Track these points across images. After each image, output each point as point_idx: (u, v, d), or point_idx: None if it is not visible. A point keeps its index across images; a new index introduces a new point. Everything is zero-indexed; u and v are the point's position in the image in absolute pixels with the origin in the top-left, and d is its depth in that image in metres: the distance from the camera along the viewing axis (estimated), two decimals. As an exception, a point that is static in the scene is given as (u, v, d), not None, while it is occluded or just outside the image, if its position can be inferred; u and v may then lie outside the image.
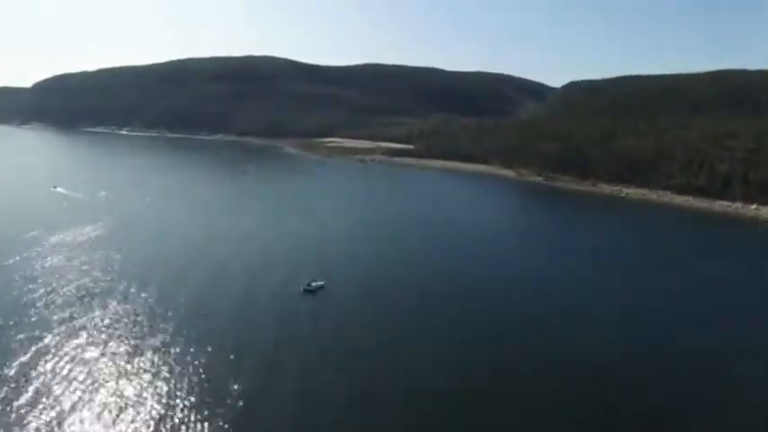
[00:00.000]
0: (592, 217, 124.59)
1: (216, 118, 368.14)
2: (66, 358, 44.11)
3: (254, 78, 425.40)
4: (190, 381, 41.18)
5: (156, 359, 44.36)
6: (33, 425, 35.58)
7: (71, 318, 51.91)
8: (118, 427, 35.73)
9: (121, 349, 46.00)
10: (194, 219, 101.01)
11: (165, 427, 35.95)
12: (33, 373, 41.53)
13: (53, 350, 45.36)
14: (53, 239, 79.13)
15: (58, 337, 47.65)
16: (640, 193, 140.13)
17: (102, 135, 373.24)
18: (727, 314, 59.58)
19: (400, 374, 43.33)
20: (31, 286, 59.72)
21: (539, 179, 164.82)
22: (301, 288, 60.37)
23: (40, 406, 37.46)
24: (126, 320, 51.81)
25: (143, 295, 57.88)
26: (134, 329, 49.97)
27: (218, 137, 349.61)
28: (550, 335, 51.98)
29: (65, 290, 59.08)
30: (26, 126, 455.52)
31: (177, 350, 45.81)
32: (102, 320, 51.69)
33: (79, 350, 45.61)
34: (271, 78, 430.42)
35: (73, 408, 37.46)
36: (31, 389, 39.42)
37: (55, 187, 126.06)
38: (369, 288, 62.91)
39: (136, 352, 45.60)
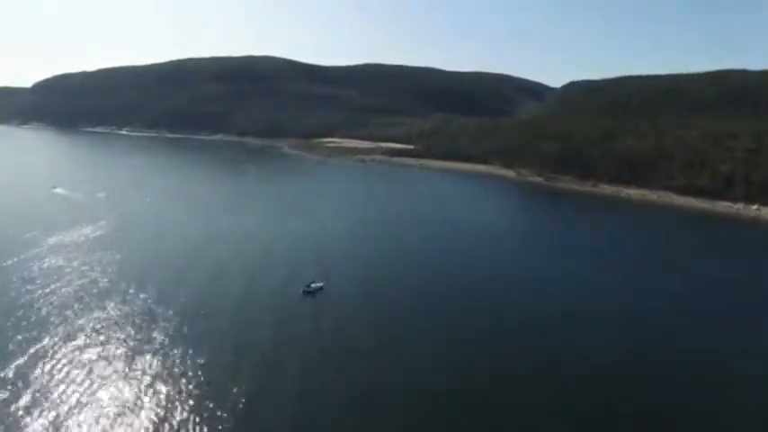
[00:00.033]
0: (592, 217, 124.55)
1: (216, 118, 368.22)
2: (66, 360, 44.03)
3: (254, 78, 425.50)
4: (190, 382, 41.16)
5: (155, 360, 44.33)
6: (32, 428, 35.47)
7: (70, 319, 51.87)
8: (118, 430, 35.66)
9: (121, 350, 45.96)
10: (194, 219, 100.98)
11: (165, 427, 35.91)
12: (32, 376, 41.38)
13: (52, 352, 45.26)
14: (52, 240, 79.09)
15: (56, 339, 47.56)
16: (641, 193, 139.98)
17: (101, 135, 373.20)
18: (728, 314, 59.57)
19: (400, 374, 43.32)
20: (29, 287, 59.65)
21: (539, 179, 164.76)
22: (301, 289, 60.25)
23: (39, 408, 37.34)
24: (125, 321, 51.78)
25: (142, 296, 57.85)
26: (134, 330, 49.94)
27: (217, 137, 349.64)
28: (550, 335, 51.96)
29: (64, 291, 59.03)
30: (26, 126, 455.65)
31: (177, 351, 45.77)
32: (101, 321, 51.64)
33: (78, 351, 45.55)
34: (271, 78, 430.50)
35: (72, 410, 37.37)
36: (29, 391, 39.27)
37: (54, 188, 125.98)
38: (369, 289, 62.86)
39: (136, 353, 45.57)
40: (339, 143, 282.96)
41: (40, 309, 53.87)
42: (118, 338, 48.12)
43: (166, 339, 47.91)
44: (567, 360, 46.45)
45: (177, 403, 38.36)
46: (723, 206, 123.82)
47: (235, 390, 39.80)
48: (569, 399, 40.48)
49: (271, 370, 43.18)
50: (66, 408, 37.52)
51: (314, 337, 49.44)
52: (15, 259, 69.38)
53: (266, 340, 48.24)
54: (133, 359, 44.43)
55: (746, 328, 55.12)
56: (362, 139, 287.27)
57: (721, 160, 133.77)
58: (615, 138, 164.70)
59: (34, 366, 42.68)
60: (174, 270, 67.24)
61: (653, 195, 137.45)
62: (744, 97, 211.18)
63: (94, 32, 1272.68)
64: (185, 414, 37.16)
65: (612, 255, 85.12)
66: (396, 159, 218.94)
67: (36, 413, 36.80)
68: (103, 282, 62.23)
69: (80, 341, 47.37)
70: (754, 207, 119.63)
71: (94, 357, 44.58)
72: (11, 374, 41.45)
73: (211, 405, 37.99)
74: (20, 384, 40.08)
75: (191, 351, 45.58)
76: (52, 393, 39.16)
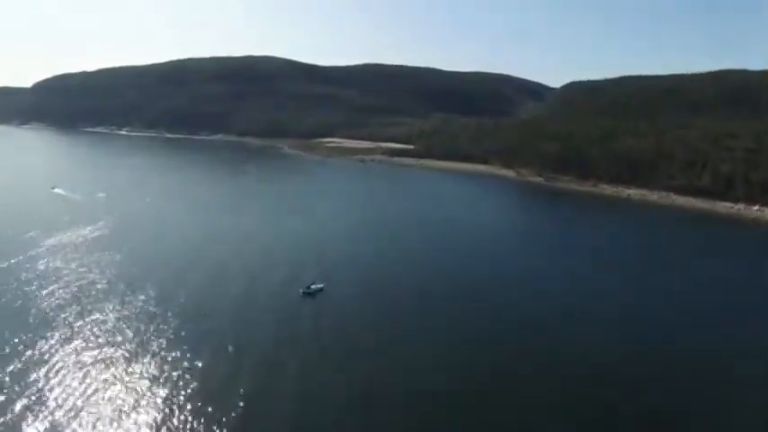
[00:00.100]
0: (592, 217, 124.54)
1: (216, 118, 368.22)
2: (65, 361, 43.82)
3: (254, 78, 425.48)
4: (190, 383, 41.08)
5: (155, 361, 44.23)
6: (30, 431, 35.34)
7: (69, 320, 51.75)
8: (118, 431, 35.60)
9: (120, 351, 45.82)
10: (194, 219, 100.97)
11: (165, 428, 35.87)
12: (30, 378, 41.10)
13: (51, 353, 45.04)
14: (51, 241, 78.96)
15: (55, 340, 47.37)
16: (641, 193, 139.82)
17: (101, 135, 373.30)
18: (728, 314, 59.54)
19: (400, 374, 43.29)
20: (28, 288, 59.48)
21: (539, 179, 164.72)
22: (301, 291, 60.03)
23: (38, 411, 37.08)
24: (125, 322, 51.69)
25: (142, 297, 57.76)
26: (133, 331, 49.86)
27: (217, 137, 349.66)
28: (550, 335, 51.94)
29: (63, 292, 58.90)
30: (26, 126, 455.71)
31: (177, 352, 45.65)
32: (100, 323, 51.52)
33: (77, 353, 45.39)
34: (271, 78, 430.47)
35: (72, 412, 37.16)
36: (27, 394, 38.97)
37: (54, 188, 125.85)
38: (369, 289, 62.76)
39: (135, 354, 45.48)
40: (339, 143, 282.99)
41: (38, 310, 53.73)
42: (117, 339, 48.06)
43: (166, 340, 47.83)
44: (566, 360, 46.42)
45: (177, 404, 38.32)
46: (724, 206, 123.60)
47: (235, 390, 39.75)
48: (569, 399, 40.45)
49: (271, 371, 43.13)
50: (65, 410, 37.38)
51: (314, 338, 49.32)
52: (14, 260, 69.25)
53: (266, 342, 48.13)
54: (133, 360, 44.38)
55: (746, 328, 55.09)
56: (362, 139, 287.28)
57: (722, 160, 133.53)
58: (615, 138, 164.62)
59: (33, 369, 42.41)
60: (174, 270, 67.20)
61: (653, 195, 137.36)
62: (744, 97, 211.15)
63: (94, 32, 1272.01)
64: (185, 414, 37.12)
65: (612, 255, 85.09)
66: (396, 159, 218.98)
67: (35, 416, 36.58)
68: (103, 282, 62.17)
69: (79, 342, 47.29)
70: (756, 208, 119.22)
71: (93, 359, 44.47)
72: (9, 377, 41.15)
73: (211, 406, 37.94)
74: (18, 387, 39.75)
75: (190, 352, 45.51)
76: (51, 396, 38.92)
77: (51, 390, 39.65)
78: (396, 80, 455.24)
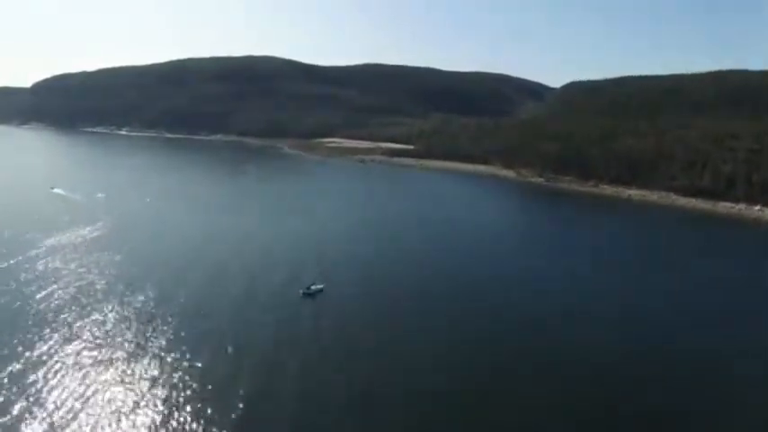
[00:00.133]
0: (592, 218, 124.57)
1: (215, 118, 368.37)
2: (64, 362, 43.63)
3: (253, 78, 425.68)
4: (189, 383, 40.98)
5: (155, 362, 44.08)
6: None
7: (68, 321, 51.62)
8: None
9: (120, 352, 45.66)
10: (194, 219, 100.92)
11: (165, 428, 35.81)
12: (29, 379, 40.90)
13: (50, 354, 44.83)
14: (50, 241, 78.79)
15: (54, 341, 47.18)
16: (641, 194, 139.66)
17: (101, 135, 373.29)
18: (728, 314, 59.51)
19: (400, 374, 43.24)
20: (27, 289, 59.22)
21: (540, 180, 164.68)
22: (300, 291, 59.86)
23: (37, 412, 36.87)
24: (124, 323, 51.58)
25: (141, 297, 57.61)
26: (133, 331, 49.76)
27: (217, 137, 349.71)
28: (550, 335, 51.91)
29: (62, 292, 58.75)
30: (26, 126, 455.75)
31: (176, 353, 45.52)
32: (99, 323, 51.42)
33: (77, 354, 45.22)
34: (271, 78, 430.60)
35: (70, 413, 36.95)
36: (26, 395, 38.74)
37: (53, 188, 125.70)
38: (369, 290, 62.65)
39: (135, 354, 45.36)
40: (339, 143, 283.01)
41: (37, 311, 53.60)
42: (117, 340, 47.95)
43: (165, 341, 47.75)
44: (567, 360, 46.39)
45: (177, 405, 38.22)
46: (724, 207, 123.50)
47: (235, 391, 39.67)
48: (569, 399, 40.41)
49: (271, 371, 43.04)
50: (64, 411, 37.17)
51: (314, 339, 49.20)
52: (13, 260, 69.05)
53: (266, 342, 47.99)
54: (132, 361, 44.28)
55: (746, 328, 55.06)
56: (362, 139, 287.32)
57: (723, 161, 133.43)
58: (615, 138, 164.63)
59: (31, 370, 42.17)
60: (174, 271, 67.13)
61: (654, 196, 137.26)
62: (744, 97, 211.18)
63: (94, 32, 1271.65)
64: (185, 415, 37.05)
65: (613, 255, 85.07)
66: (396, 159, 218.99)
67: (33, 417, 36.35)
68: (102, 283, 62.04)
69: (79, 343, 47.16)
70: (757, 208, 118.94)
71: (93, 360, 44.34)
72: (8, 378, 40.91)
73: (211, 406, 37.88)
74: (17, 388, 39.52)
75: (190, 353, 45.39)
76: (50, 397, 38.68)
77: (50, 391, 39.43)
78: (396, 80, 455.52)
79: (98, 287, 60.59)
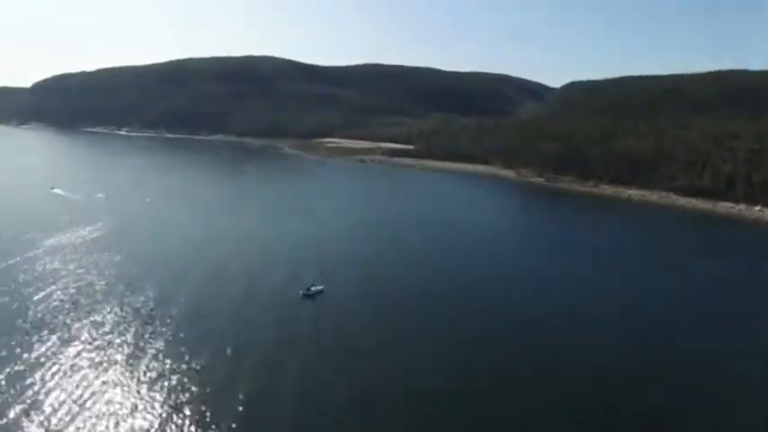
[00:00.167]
0: (593, 218, 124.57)
1: (215, 118, 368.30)
2: (63, 364, 43.37)
3: (253, 78, 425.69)
4: (189, 384, 40.88)
5: (154, 363, 43.94)
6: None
7: (67, 322, 51.45)
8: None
9: (119, 353, 45.50)
10: (193, 219, 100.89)
11: (165, 429, 35.79)
12: (28, 381, 40.57)
13: (49, 356, 44.58)
14: (50, 241, 78.62)
15: (53, 342, 46.94)
16: (642, 194, 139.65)
17: (100, 135, 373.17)
18: (728, 314, 59.51)
19: (400, 375, 43.22)
20: (26, 290, 58.95)
21: (540, 180, 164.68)
22: (300, 292, 59.69)
23: (35, 414, 36.60)
24: (124, 323, 51.45)
25: (141, 298, 57.45)
26: (132, 332, 49.64)
27: (217, 137, 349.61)
28: (550, 335, 51.90)
29: (62, 293, 58.63)
30: (25, 126, 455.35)
31: (176, 354, 45.39)
32: (99, 324, 51.27)
33: (76, 355, 45.02)
34: (270, 78, 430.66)
35: (69, 415, 36.70)
36: (25, 397, 38.48)
37: (52, 188, 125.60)
38: (369, 290, 62.55)
39: (134, 355, 45.24)
40: (339, 143, 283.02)
41: (36, 311, 53.44)
42: (116, 341, 47.84)
43: (165, 342, 47.64)
44: (567, 360, 46.37)
45: (177, 406, 38.14)
46: (724, 207, 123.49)
47: (235, 392, 39.59)
48: (569, 399, 40.40)
49: (271, 372, 42.96)
50: (63, 413, 36.91)
51: (314, 340, 49.08)
52: (13, 261, 68.75)
53: (266, 343, 47.87)
54: (132, 362, 44.18)
55: (746, 328, 55.06)
56: (362, 139, 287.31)
57: (723, 161, 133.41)
58: (615, 138, 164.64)
59: (30, 371, 41.93)
60: (174, 271, 67.06)
61: (654, 196, 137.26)
62: (744, 97, 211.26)
63: (94, 32, 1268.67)
64: (185, 416, 36.98)
65: (613, 255, 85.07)
66: (396, 159, 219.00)
67: (32, 419, 36.10)
68: (102, 283, 61.92)
69: (78, 344, 46.99)
70: (757, 208, 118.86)
71: (92, 361, 44.16)
72: (6, 379, 40.67)
73: (211, 407, 37.83)
74: (15, 390, 39.25)
75: (190, 354, 45.27)
76: (49, 399, 38.37)
77: (48, 393, 39.13)
78: (395, 80, 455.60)
79: (98, 288, 60.52)
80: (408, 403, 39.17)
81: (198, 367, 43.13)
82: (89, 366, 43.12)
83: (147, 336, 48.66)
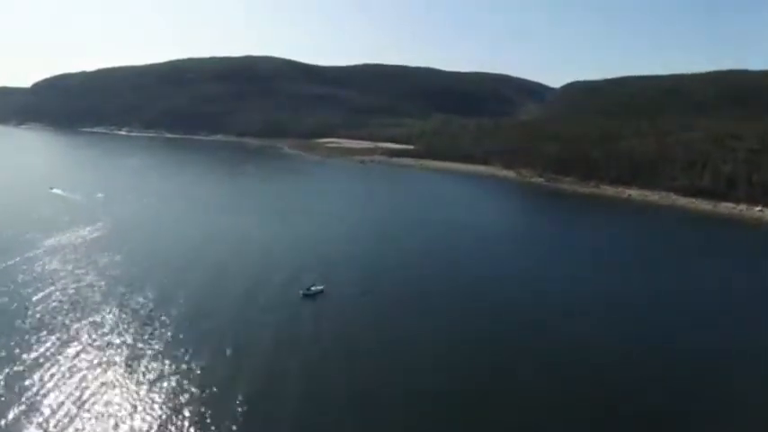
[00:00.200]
0: (593, 218, 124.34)
1: (215, 118, 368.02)
2: (62, 365, 43.20)
3: (253, 78, 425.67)
4: (189, 386, 40.78)
5: (154, 364, 43.81)
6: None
7: (66, 322, 51.33)
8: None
9: (119, 354, 45.38)
10: (193, 219, 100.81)
11: (165, 430, 35.72)
12: (26, 382, 40.29)
13: (47, 357, 44.41)
14: (49, 242, 78.47)
15: (52, 344, 46.80)
16: (642, 194, 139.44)
17: (100, 135, 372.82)
18: (728, 314, 59.46)
19: (400, 375, 43.18)
20: (25, 290, 58.85)
21: (540, 180, 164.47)
22: (300, 293, 59.60)
23: (33, 417, 36.43)
24: (123, 324, 51.36)
25: (141, 299, 57.34)
26: (132, 333, 49.59)
27: (217, 137, 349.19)
28: (550, 335, 51.84)
29: (60, 294, 58.48)
30: (25, 126, 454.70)
31: (175, 356, 45.28)
32: (98, 325, 51.16)
33: (75, 356, 44.86)
34: (270, 78, 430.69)
35: (67, 418, 36.53)
36: (24, 398, 38.33)
37: (52, 188, 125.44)
38: (369, 290, 62.41)
39: (134, 357, 45.12)
40: (339, 143, 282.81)
41: (35, 312, 53.35)
42: (115, 342, 47.74)
43: (165, 343, 47.53)
44: (567, 360, 46.33)
45: (177, 407, 38.07)
46: (725, 207, 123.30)
47: (235, 392, 39.55)
48: (569, 399, 40.35)
49: (271, 373, 42.91)
50: (61, 415, 36.73)
51: (314, 340, 49.02)
52: (11, 262, 68.54)
53: (266, 344, 47.77)
54: (131, 363, 44.09)
55: (746, 328, 55.00)
56: (362, 139, 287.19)
57: (723, 161, 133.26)
58: (616, 138, 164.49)
59: (28, 373, 41.73)
60: (173, 271, 66.99)
61: (654, 196, 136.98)
62: (745, 97, 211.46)
63: (94, 32, 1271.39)
64: (185, 418, 36.94)
65: (613, 255, 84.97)
66: (395, 160, 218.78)
67: (30, 422, 35.95)
68: (101, 284, 61.79)
69: (77, 345, 46.86)
70: (758, 209, 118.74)
71: (91, 362, 44.01)
72: (4, 381, 40.52)
73: (211, 408, 37.80)
74: (13, 392, 39.07)
75: (190, 354, 45.19)
76: (47, 401, 38.17)
77: (47, 395, 38.97)
78: (396, 80, 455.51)
79: (97, 288, 60.42)
80: (408, 403, 39.11)
81: (198, 368, 43.05)
82: (88, 367, 43.03)
83: (146, 336, 48.57)
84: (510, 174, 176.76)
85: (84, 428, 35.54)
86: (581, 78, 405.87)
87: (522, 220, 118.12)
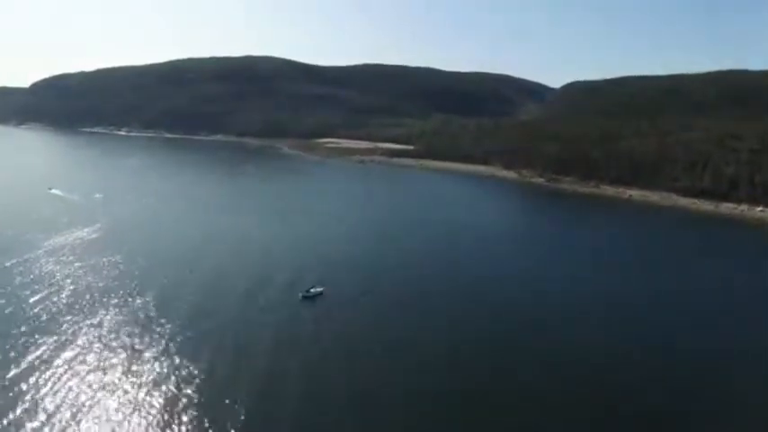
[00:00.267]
0: (594, 218, 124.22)
1: (215, 118, 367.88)
2: (60, 367, 42.89)
3: (253, 78, 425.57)
4: (188, 388, 40.63)
5: (153, 366, 43.60)
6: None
7: (65, 324, 51.09)
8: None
9: (118, 357, 45.08)
10: (192, 220, 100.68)
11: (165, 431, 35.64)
12: (25, 385, 39.95)
13: (46, 359, 44.07)
14: (48, 242, 78.13)
15: (51, 345, 46.48)
16: (643, 194, 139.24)
17: (99, 135, 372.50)
18: (728, 314, 59.41)
19: (400, 375, 43.10)
20: (23, 292, 58.47)
21: (540, 180, 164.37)
22: (300, 294, 59.36)
23: (32, 419, 36.15)
24: (122, 326, 51.12)
25: (139, 300, 57.08)
26: (131, 335, 49.34)
27: (217, 137, 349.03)
28: (550, 335, 51.78)
29: (59, 295, 58.22)
30: (24, 126, 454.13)
31: (175, 358, 45.06)
32: (96, 327, 50.92)
33: (73, 358, 44.53)
34: (270, 78, 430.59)
35: (66, 419, 36.39)
36: (23, 401, 38.10)
37: (50, 189, 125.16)
38: (369, 291, 62.20)
39: (133, 359, 44.92)
40: (338, 143, 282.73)
41: (34, 314, 53.07)
42: (114, 344, 47.49)
43: (164, 345, 47.25)
44: (567, 360, 46.27)
45: (176, 409, 37.93)
46: (727, 207, 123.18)
47: (234, 393, 39.43)
48: (569, 399, 40.28)
49: (271, 374, 42.77)
50: (59, 417, 36.50)
51: (314, 342, 48.82)
52: (9, 263, 68.02)
53: (266, 346, 47.55)
54: (130, 364, 43.90)
55: (747, 328, 54.94)
56: (362, 139, 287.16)
57: (725, 162, 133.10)
58: (617, 139, 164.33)
59: (27, 375, 41.47)
60: (172, 272, 66.74)
61: (655, 196, 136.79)
62: (745, 97, 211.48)
63: (93, 32, 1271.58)
64: (185, 418, 36.86)
65: (614, 255, 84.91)
66: (395, 160, 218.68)
67: (28, 424, 35.77)
68: (100, 285, 61.53)
69: (76, 346, 46.61)
70: (759, 209, 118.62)
71: (90, 364, 43.70)
72: (4, 382, 40.28)
73: (211, 409, 37.72)
74: (11, 394, 38.83)
75: (189, 356, 44.95)
76: (45, 403, 37.88)
77: (45, 397, 38.65)
78: (396, 80, 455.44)
79: (96, 289, 60.23)
80: (408, 403, 39.04)
81: (198, 369, 42.91)
82: (88, 369, 42.85)
83: (145, 338, 48.43)
84: (510, 174, 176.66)
85: (84, 430, 35.38)
86: (581, 78, 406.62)
87: (522, 220, 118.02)
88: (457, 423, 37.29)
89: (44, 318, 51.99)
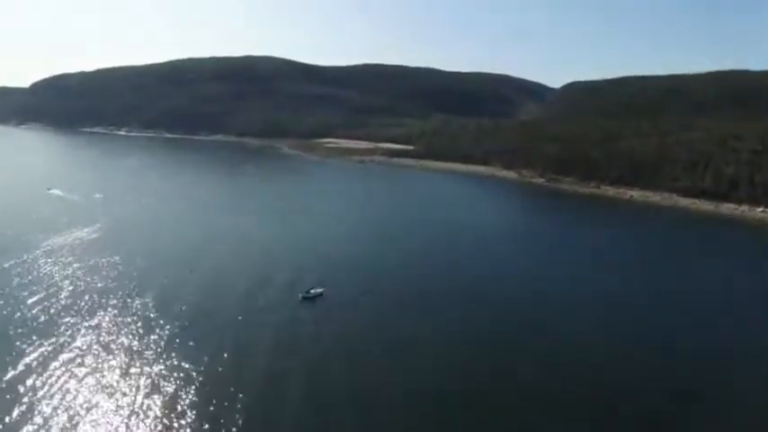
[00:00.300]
0: (594, 219, 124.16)
1: (215, 118, 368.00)
2: (59, 368, 42.78)
3: (253, 78, 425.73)
4: (188, 389, 40.61)
5: (152, 368, 43.56)
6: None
7: (64, 325, 50.98)
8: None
9: (117, 358, 45.02)
10: (192, 220, 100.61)
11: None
12: (23, 387, 39.78)
13: (45, 360, 43.97)
14: (47, 243, 78.06)
15: (50, 346, 46.35)
16: (644, 195, 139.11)
17: (99, 135, 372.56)
18: (728, 314, 59.36)
19: (400, 375, 43.04)
20: (22, 293, 58.37)
21: (541, 181, 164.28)
22: (300, 295, 59.25)
23: (30, 423, 35.95)
24: (122, 327, 51.09)
25: (139, 301, 57.01)
26: (130, 336, 49.38)
27: (217, 137, 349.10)
28: (550, 335, 51.73)
29: (58, 296, 58.14)
30: (24, 126, 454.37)
31: (174, 359, 44.99)
32: (96, 327, 50.90)
33: (73, 360, 44.46)
34: (270, 78, 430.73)
35: (65, 422, 36.28)
36: (22, 402, 37.98)
37: (50, 189, 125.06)
38: (369, 292, 62.07)
39: (132, 360, 44.85)
40: (338, 144, 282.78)
41: (34, 314, 53.06)
42: (113, 346, 47.43)
43: (163, 346, 47.17)
44: (567, 360, 46.23)
45: (176, 410, 37.92)
46: (727, 208, 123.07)
47: (235, 394, 39.41)
48: (569, 399, 40.24)
49: (271, 375, 42.74)
50: (58, 420, 36.38)
51: (313, 342, 48.75)
52: (8, 264, 67.87)
53: (266, 347, 47.48)
54: (130, 366, 43.83)
55: (747, 328, 54.90)
56: (362, 139, 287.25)
57: (725, 162, 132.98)
58: (617, 139, 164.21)
59: (26, 376, 41.33)
60: (172, 273, 66.66)
61: (656, 197, 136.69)
62: (745, 97, 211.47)
63: (93, 32, 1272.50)
64: (185, 420, 36.82)
65: (614, 256, 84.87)
66: (395, 160, 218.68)
67: (30, 424, 35.68)
68: (99, 286, 61.48)
69: (75, 347, 46.61)
70: (760, 209, 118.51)
71: (89, 365, 43.63)
72: (3, 383, 40.18)
73: (211, 409, 37.69)
74: (12, 395, 38.75)
75: (189, 357, 44.89)
76: (45, 407, 37.66)
77: (43, 399, 38.50)
78: (396, 80, 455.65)
79: (95, 289, 60.18)
80: (408, 403, 38.99)
81: (198, 370, 42.85)
82: (87, 370, 42.81)
83: (145, 338, 48.38)
84: (510, 174, 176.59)
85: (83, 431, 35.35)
86: (581, 78, 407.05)
87: (522, 221, 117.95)
88: (457, 423, 37.26)
89: (43, 319, 51.86)
